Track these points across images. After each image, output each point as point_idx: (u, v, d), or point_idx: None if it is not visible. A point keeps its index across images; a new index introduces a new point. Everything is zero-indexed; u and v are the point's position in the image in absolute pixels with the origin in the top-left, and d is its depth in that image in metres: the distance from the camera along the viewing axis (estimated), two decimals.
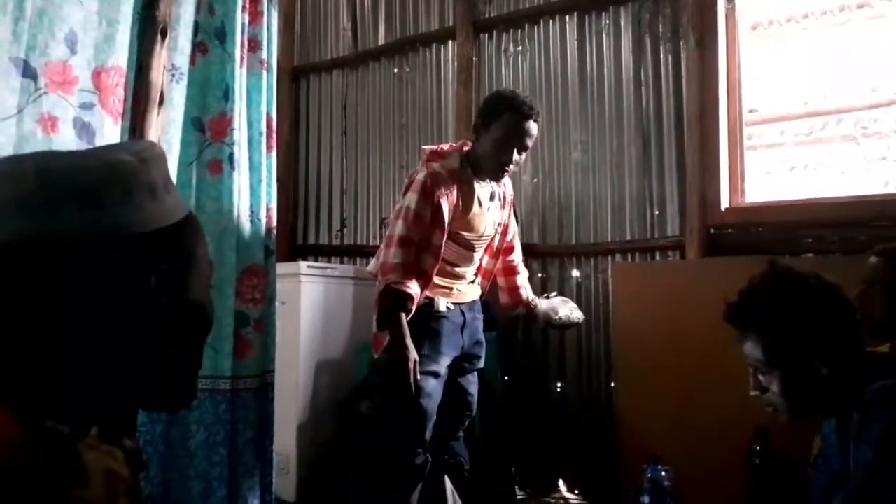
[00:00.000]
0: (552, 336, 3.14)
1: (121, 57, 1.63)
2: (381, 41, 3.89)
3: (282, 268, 2.40)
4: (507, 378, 2.94)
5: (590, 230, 3.19)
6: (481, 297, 2.41)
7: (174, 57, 1.84)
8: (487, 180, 2.26)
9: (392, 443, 2.18)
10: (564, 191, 3.26)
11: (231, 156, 1.97)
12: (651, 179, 3.05)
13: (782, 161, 3.05)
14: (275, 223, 2.15)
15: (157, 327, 0.70)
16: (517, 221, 3.10)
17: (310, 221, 4.12)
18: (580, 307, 3.06)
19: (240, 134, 2.00)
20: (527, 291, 2.51)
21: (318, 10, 4.17)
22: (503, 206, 2.37)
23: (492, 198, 2.30)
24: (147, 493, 1.79)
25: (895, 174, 2.90)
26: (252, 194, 2.06)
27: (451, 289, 2.25)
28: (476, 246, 2.28)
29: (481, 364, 2.37)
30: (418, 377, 2.05)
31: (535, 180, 3.34)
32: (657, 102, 3.06)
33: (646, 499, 2.25)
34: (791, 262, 1.52)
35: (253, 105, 2.08)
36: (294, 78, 4.18)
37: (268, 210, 2.11)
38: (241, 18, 2.02)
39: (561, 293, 3.17)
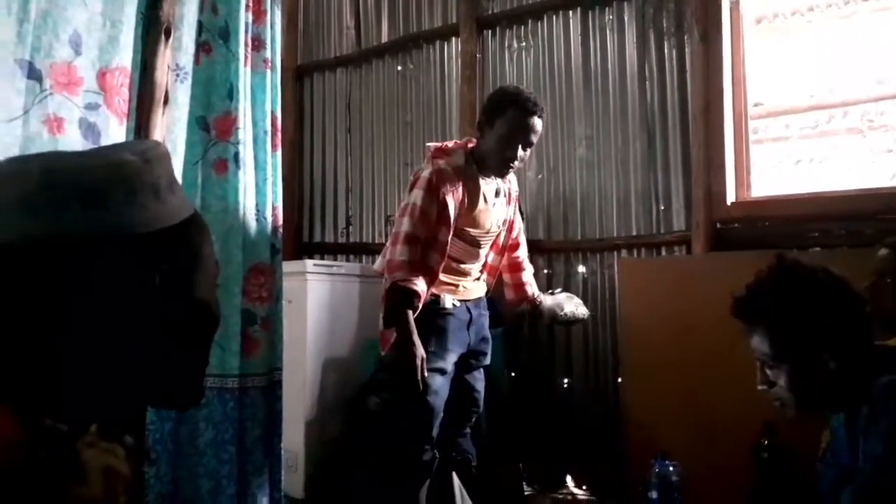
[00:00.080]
0: (558, 332, 3.14)
1: (125, 57, 1.64)
2: (385, 39, 3.89)
3: (288, 266, 2.41)
4: (513, 374, 2.94)
5: (595, 226, 3.18)
6: (487, 293, 2.41)
7: (178, 57, 1.85)
8: (492, 177, 2.26)
9: (399, 439, 2.19)
10: (569, 186, 3.26)
11: (236, 155, 1.98)
12: (656, 174, 3.04)
13: (788, 155, 3.03)
14: (281, 221, 2.16)
15: (161, 327, 0.70)
16: (522, 218, 3.10)
17: (315, 219, 4.12)
18: (586, 303, 3.05)
19: (244, 133, 2.00)
20: (532, 288, 2.50)
21: (321, 8, 4.17)
22: (508, 203, 2.37)
23: (497, 194, 2.30)
24: (157, 491, 1.80)
25: None
26: (258, 193, 2.07)
27: (456, 286, 2.25)
28: (482, 242, 2.28)
29: (487, 361, 2.37)
30: (425, 374, 2.06)
31: (539, 176, 3.34)
32: (662, 97, 3.05)
33: (654, 494, 2.24)
34: (798, 255, 1.51)
35: (257, 104, 2.09)
36: (298, 76, 4.18)
37: (273, 208, 2.12)
38: (244, 17, 2.02)
39: (567, 289, 3.17)
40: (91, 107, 1.56)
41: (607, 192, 3.16)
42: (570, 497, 2.77)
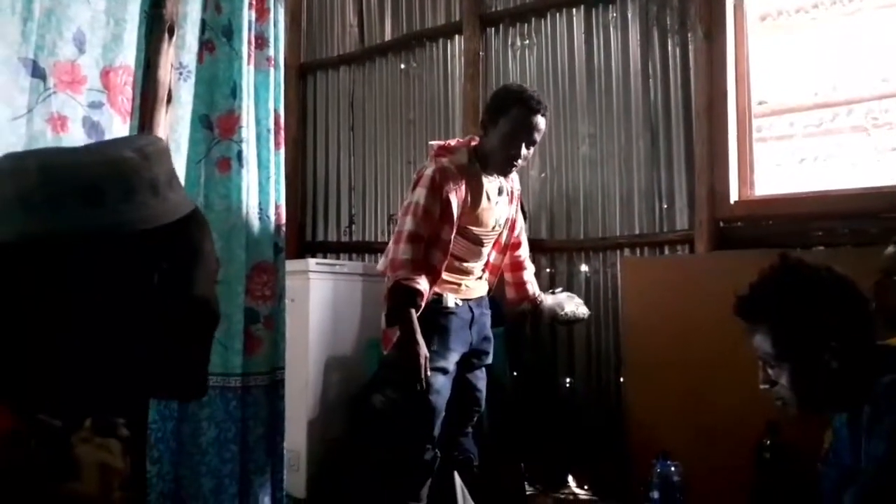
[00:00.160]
0: (560, 331, 3.14)
1: (129, 56, 1.64)
2: (388, 37, 3.88)
3: (291, 265, 2.41)
4: (515, 373, 2.94)
5: (598, 224, 3.18)
6: (488, 292, 2.41)
7: (181, 55, 1.85)
8: (495, 175, 2.26)
9: (401, 438, 2.19)
10: (572, 185, 3.26)
11: (239, 153, 1.98)
12: (659, 173, 3.04)
13: (792, 153, 3.02)
14: (284, 220, 2.16)
15: (161, 324, 0.70)
16: (525, 216, 3.10)
17: (318, 218, 4.12)
18: (589, 302, 3.05)
19: (248, 131, 2.00)
20: (533, 287, 2.50)
21: (324, 6, 4.17)
22: (510, 201, 2.37)
23: (500, 192, 2.30)
24: (158, 489, 1.80)
25: None
26: (261, 191, 2.07)
27: (459, 284, 2.25)
28: (484, 241, 2.28)
29: (489, 360, 2.37)
30: (428, 373, 2.06)
31: (542, 175, 3.33)
32: (665, 95, 3.05)
33: (655, 494, 2.24)
34: (801, 254, 1.51)
35: (261, 102, 2.09)
36: (301, 75, 4.18)
37: (276, 207, 2.12)
38: (247, 16, 2.02)
39: (569, 288, 3.17)
40: (94, 105, 1.56)
41: (610, 191, 3.15)
42: (571, 497, 2.77)
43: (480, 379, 2.35)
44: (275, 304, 2.08)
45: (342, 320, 3.05)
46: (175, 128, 1.82)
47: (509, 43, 3.47)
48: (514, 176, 2.37)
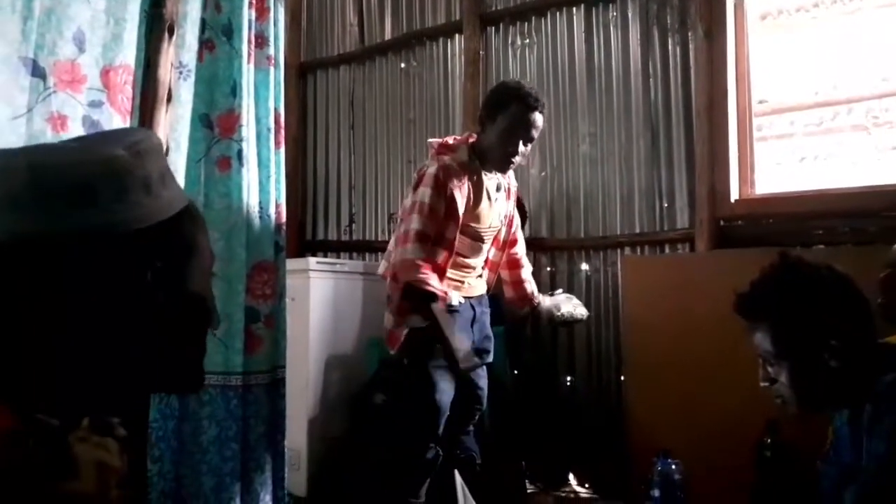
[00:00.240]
0: (561, 330, 3.13)
1: (129, 55, 1.64)
2: (388, 36, 3.88)
3: (291, 264, 2.41)
4: (516, 372, 2.94)
5: (599, 223, 3.18)
6: (487, 291, 2.41)
7: (181, 54, 1.85)
8: (493, 171, 2.26)
9: (405, 437, 2.19)
10: (573, 184, 3.26)
11: (239, 152, 1.98)
12: (660, 171, 3.04)
13: (792, 152, 3.02)
14: (284, 219, 2.16)
15: (156, 322, 0.70)
16: (526, 215, 3.10)
17: (318, 217, 4.12)
18: (589, 301, 3.05)
19: (248, 130, 2.00)
20: (531, 286, 2.49)
21: (324, 5, 4.16)
22: (508, 197, 2.38)
23: (498, 189, 2.30)
24: (159, 488, 1.81)
25: None
26: (261, 190, 2.07)
27: (462, 282, 2.25)
28: (485, 237, 2.28)
29: (490, 358, 2.37)
30: (471, 362, 2.07)
31: (543, 174, 3.33)
32: (666, 94, 3.04)
33: (656, 492, 2.24)
34: (802, 253, 1.51)
35: (261, 101, 2.09)
36: (301, 74, 4.18)
37: (277, 206, 2.12)
38: (247, 15, 2.02)
39: (570, 287, 3.17)
40: (94, 104, 1.56)
41: (611, 190, 3.15)
42: (572, 495, 2.77)
43: (481, 377, 2.34)
44: (275, 302, 2.08)
45: (343, 319, 3.05)
46: (175, 127, 1.82)
47: (510, 42, 3.46)
48: (510, 172, 2.37)
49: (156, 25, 1.75)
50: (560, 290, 2.59)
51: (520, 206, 3.05)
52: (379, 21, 3.93)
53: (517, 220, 2.51)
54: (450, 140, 2.28)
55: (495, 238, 2.36)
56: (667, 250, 3.00)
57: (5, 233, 0.64)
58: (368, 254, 3.83)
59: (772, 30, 3.03)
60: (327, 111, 4.11)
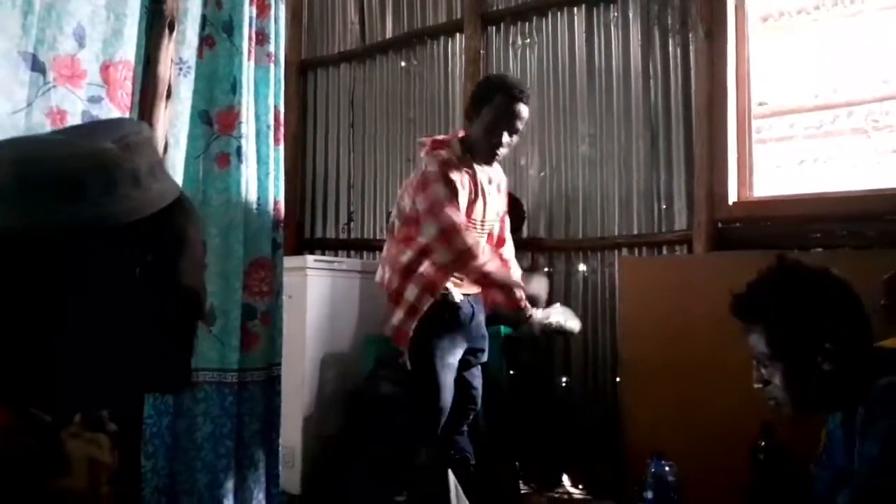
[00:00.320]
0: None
1: (128, 51, 1.64)
2: (389, 34, 3.88)
3: (289, 261, 2.41)
4: (512, 373, 2.94)
5: (597, 224, 3.18)
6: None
7: (182, 50, 1.85)
8: (483, 164, 2.26)
9: (405, 435, 2.19)
10: (571, 184, 3.26)
11: (239, 149, 1.98)
12: (659, 173, 3.04)
13: (792, 154, 3.02)
14: (282, 216, 2.16)
15: (148, 317, 0.69)
16: (524, 216, 3.10)
17: (317, 215, 4.12)
18: (586, 302, 3.05)
19: (247, 127, 2.00)
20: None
21: (325, 3, 4.16)
22: (499, 192, 2.38)
23: (490, 182, 2.30)
24: (153, 484, 1.80)
25: None
26: (260, 187, 2.07)
27: (462, 279, 2.24)
28: (482, 231, 2.28)
29: (485, 357, 2.37)
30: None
31: (542, 174, 3.33)
32: (665, 95, 3.04)
33: (650, 494, 2.24)
34: (800, 256, 1.51)
35: (260, 98, 2.09)
36: (301, 71, 4.18)
37: (275, 203, 2.12)
38: (248, 11, 2.02)
39: (567, 287, 3.17)
40: (94, 100, 1.56)
41: (609, 191, 3.15)
42: (566, 496, 2.77)
43: (476, 377, 2.35)
44: (272, 300, 2.08)
45: (339, 317, 3.05)
46: (174, 123, 1.82)
47: (510, 41, 3.46)
48: (498, 168, 2.37)
49: (156, 21, 1.75)
50: (557, 305, 2.56)
51: (517, 206, 3.06)
52: (380, 19, 3.93)
53: (508, 220, 2.51)
54: (440, 137, 2.29)
55: (489, 234, 2.36)
56: (664, 252, 3.00)
57: None
58: (366, 252, 3.83)
59: (772, 32, 3.03)
60: (327, 109, 4.11)
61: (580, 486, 2.81)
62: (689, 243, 2.90)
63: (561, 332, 2.42)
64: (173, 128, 1.82)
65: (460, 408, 2.29)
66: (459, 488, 2.29)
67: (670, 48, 3.04)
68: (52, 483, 0.60)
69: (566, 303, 3.17)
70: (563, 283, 3.21)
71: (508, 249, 2.52)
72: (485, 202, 2.25)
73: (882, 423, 1.21)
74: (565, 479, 2.85)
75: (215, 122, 1.99)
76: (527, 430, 2.86)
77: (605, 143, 3.18)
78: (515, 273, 2.49)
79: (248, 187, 2.01)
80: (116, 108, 1.60)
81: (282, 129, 2.16)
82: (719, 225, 2.85)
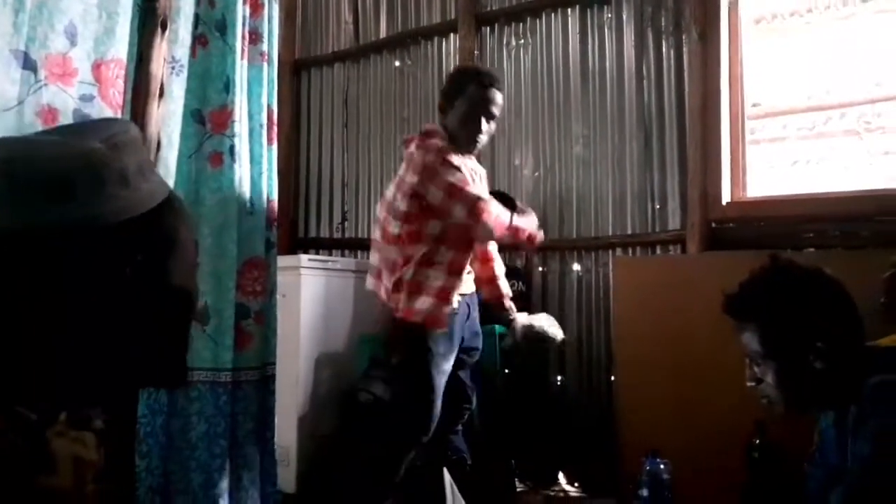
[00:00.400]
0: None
1: (121, 49, 1.63)
2: (383, 34, 3.88)
3: (283, 261, 2.40)
4: (507, 371, 2.94)
5: (591, 224, 3.18)
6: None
7: (174, 49, 1.84)
8: (465, 155, 2.25)
9: (395, 436, 2.18)
10: (565, 185, 3.26)
11: (232, 148, 1.97)
12: (652, 173, 3.05)
13: (784, 155, 3.03)
14: (276, 216, 2.15)
15: (136, 316, 0.69)
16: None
17: (311, 214, 4.12)
18: (580, 301, 3.05)
19: (240, 126, 2.00)
20: (505, 285, 2.46)
21: (319, 2, 4.16)
22: (481, 182, 2.37)
23: (475, 173, 2.30)
24: (147, 484, 1.80)
25: None
26: (253, 187, 2.06)
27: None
28: None
29: (478, 356, 2.36)
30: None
31: (536, 174, 3.34)
32: (659, 96, 3.05)
33: (644, 492, 2.25)
34: (793, 256, 1.51)
35: (253, 97, 2.08)
36: (295, 71, 4.17)
37: (269, 202, 2.11)
38: (241, 10, 2.01)
39: (562, 287, 3.18)
40: (85, 98, 1.55)
41: (603, 191, 3.16)
42: (561, 494, 2.78)
43: (469, 375, 2.34)
44: (266, 299, 2.07)
45: (333, 317, 3.05)
46: (167, 122, 1.81)
47: (504, 42, 3.47)
48: (475, 161, 2.36)
49: (149, 20, 1.74)
50: (542, 313, 2.54)
51: (511, 205, 3.05)
52: (374, 19, 3.93)
53: None
54: (426, 128, 2.27)
55: None
56: (658, 252, 3.01)
57: None
58: (360, 251, 3.82)
59: (766, 33, 3.05)
60: (321, 108, 4.11)
61: (576, 485, 2.82)
62: (682, 243, 2.91)
63: (543, 340, 2.39)
64: (166, 127, 1.81)
65: (455, 407, 2.29)
66: (455, 487, 2.29)
67: (664, 49, 3.05)
68: (37, 481, 0.60)
69: (561, 303, 3.19)
70: (558, 283, 3.22)
71: (492, 245, 2.50)
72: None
73: (873, 422, 1.22)
74: (561, 477, 2.86)
75: (208, 121, 1.98)
76: (522, 429, 2.86)
77: (598, 143, 3.18)
78: (500, 268, 2.47)
79: (242, 186, 2.00)
80: (108, 106, 1.59)
81: (275, 128, 2.15)
82: (713, 225, 2.86)
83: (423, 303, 2.09)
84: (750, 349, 1.38)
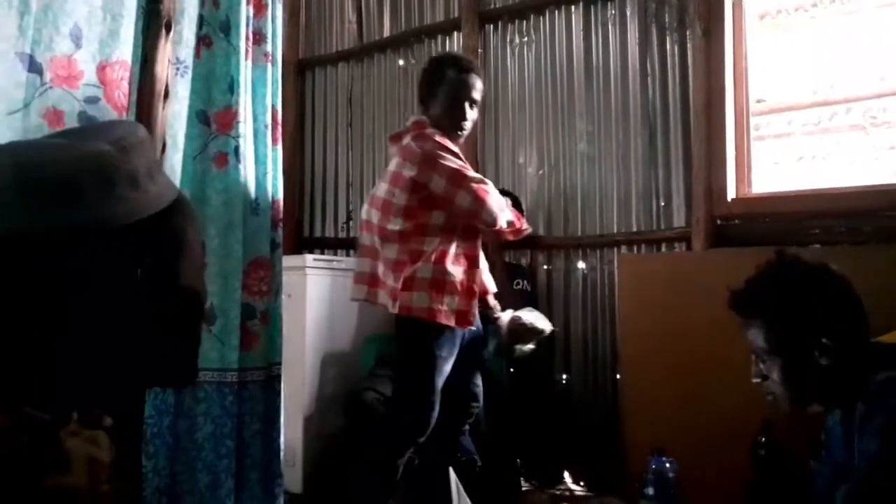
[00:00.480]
0: (558, 327, 3.14)
1: (125, 51, 1.63)
2: (387, 33, 3.88)
3: (288, 261, 2.41)
4: (512, 370, 2.94)
5: (596, 222, 3.18)
6: None
7: (179, 50, 1.84)
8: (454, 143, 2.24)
9: (396, 436, 2.17)
10: (570, 182, 3.26)
11: (237, 148, 1.98)
12: (657, 170, 3.04)
13: (790, 151, 3.02)
14: (281, 216, 2.16)
15: (146, 317, 0.69)
16: (522, 213, 3.09)
17: (316, 214, 4.12)
18: (586, 299, 3.04)
19: (245, 127, 2.00)
20: (490, 282, 2.43)
21: (323, 2, 4.16)
22: None
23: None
24: (154, 485, 1.80)
25: None
26: (258, 187, 2.07)
27: None
28: None
29: (483, 353, 2.35)
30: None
31: (540, 172, 3.34)
32: (663, 93, 3.05)
33: (650, 490, 2.25)
34: (798, 252, 1.51)
35: (258, 98, 2.09)
36: (299, 71, 4.18)
37: (274, 203, 2.12)
38: (245, 11, 2.02)
39: (567, 285, 3.18)
40: (91, 100, 1.56)
41: (608, 188, 3.16)
42: (567, 493, 2.78)
43: (477, 375, 2.34)
44: (271, 299, 2.07)
45: (339, 316, 3.05)
46: (172, 123, 1.82)
47: (508, 40, 3.46)
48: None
49: (153, 21, 1.74)
50: (529, 309, 2.50)
51: (516, 204, 3.05)
52: (378, 18, 3.93)
53: None
54: (413, 121, 2.24)
55: None
56: (663, 249, 3.01)
57: None
58: None
59: (770, 29, 3.04)
60: (325, 108, 4.11)
61: (581, 483, 2.82)
62: (687, 240, 2.90)
63: (532, 333, 2.37)
64: (171, 128, 1.81)
65: (463, 407, 2.28)
66: (461, 487, 2.29)
67: (668, 46, 3.04)
68: (52, 481, 0.60)
69: (566, 301, 3.19)
70: (563, 281, 3.22)
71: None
72: None
73: (879, 419, 1.22)
74: (566, 476, 2.86)
75: (213, 122, 1.98)
76: (528, 428, 2.86)
77: (603, 140, 3.18)
78: (483, 261, 2.45)
79: (247, 187, 2.01)
80: (113, 108, 1.60)
81: (279, 128, 2.16)
82: (718, 222, 2.85)
83: (451, 302, 2.04)
84: (756, 345, 1.38)
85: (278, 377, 2.10)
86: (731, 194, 2.86)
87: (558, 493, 2.79)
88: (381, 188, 2.20)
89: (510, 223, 2.18)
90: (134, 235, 0.67)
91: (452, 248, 2.09)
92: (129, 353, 0.70)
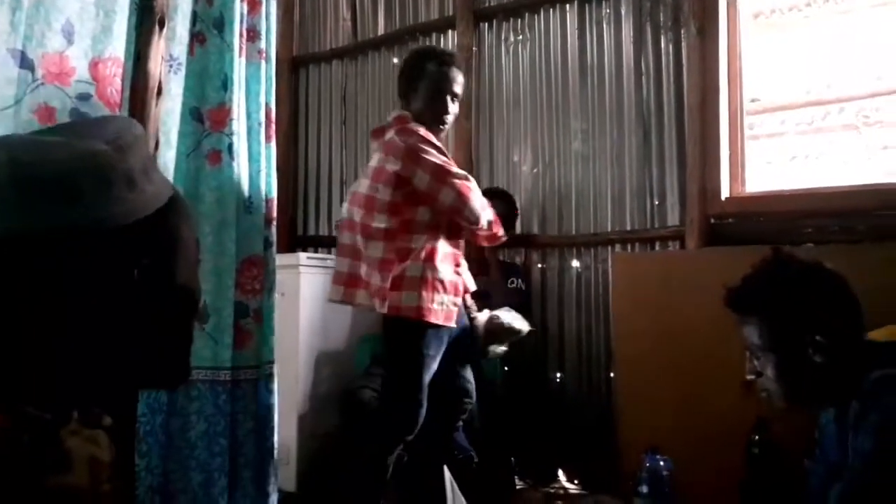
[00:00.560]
0: (551, 326, 3.14)
1: (118, 47, 1.62)
2: (381, 31, 3.87)
3: (281, 259, 2.40)
4: (506, 368, 2.94)
5: (590, 220, 3.18)
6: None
7: (172, 47, 1.83)
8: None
9: (387, 434, 2.17)
10: (564, 181, 3.26)
11: (230, 146, 1.97)
12: (651, 169, 3.05)
13: (783, 150, 3.03)
14: (274, 214, 2.15)
15: (144, 316, 0.69)
16: (516, 212, 3.09)
17: (309, 212, 4.11)
18: (580, 298, 3.04)
19: (238, 124, 1.99)
20: (469, 279, 2.43)
21: None
22: None
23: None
24: (147, 483, 1.79)
25: None
26: (251, 185, 2.06)
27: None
28: None
29: (472, 347, 2.34)
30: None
31: (534, 170, 3.34)
32: (658, 92, 3.05)
33: (644, 488, 2.25)
34: (792, 251, 1.51)
35: (252, 95, 2.07)
36: (293, 68, 4.16)
37: (267, 201, 2.11)
38: (239, 8, 2.00)
39: (561, 284, 3.18)
40: (83, 97, 1.54)
41: (602, 187, 3.16)
42: (561, 491, 2.78)
43: (467, 370, 2.33)
44: (264, 297, 2.06)
45: (333, 315, 3.04)
46: (165, 120, 1.80)
47: (503, 38, 3.46)
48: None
49: (146, 18, 1.73)
50: (507, 308, 2.46)
51: (510, 202, 3.05)
52: (372, 16, 3.92)
53: None
54: (395, 117, 2.23)
55: None
56: (657, 247, 3.01)
57: None
58: None
59: (764, 28, 3.05)
60: (319, 106, 4.10)
61: (575, 481, 2.83)
62: (681, 239, 2.91)
63: (508, 332, 2.33)
64: (164, 125, 1.80)
65: (454, 403, 2.28)
66: (455, 485, 2.29)
67: (662, 45, 3.04)
68: (54, 481, 0.60)
69: (560, 300, 3.19)
70: (557, 280, 3.22)
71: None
72: None
73: (874, 417, 1.22)
74: (561, 474, 2.86)
75: (206, 119, 1.97)
76: (522, 427, 2.86)
77: (597, 139, 3.18)
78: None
79: (240, 184, 1.99)
80: (105, 105, 1.58)
81: (273, 125, 2.15)
82: (712, 220, 2.86)
83: (441, 300, 2.04)
84: (750, 342, 1.38)
85: (272, 376, 2.09)
86: (724, 193, 2.86)
87: (552, 491, 2.79)
88: (363, 184, 2.18)
89: (490, 223, 2.17)
90: (131, 235, 0.67)
91: (440, 246, 2.08)
92: (125, 353, 0.70)
